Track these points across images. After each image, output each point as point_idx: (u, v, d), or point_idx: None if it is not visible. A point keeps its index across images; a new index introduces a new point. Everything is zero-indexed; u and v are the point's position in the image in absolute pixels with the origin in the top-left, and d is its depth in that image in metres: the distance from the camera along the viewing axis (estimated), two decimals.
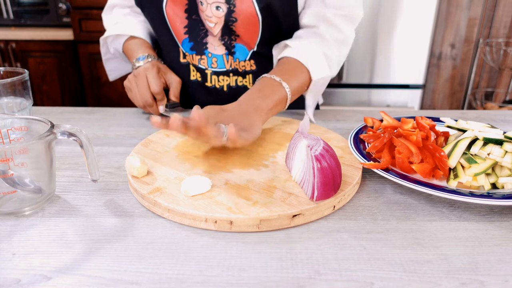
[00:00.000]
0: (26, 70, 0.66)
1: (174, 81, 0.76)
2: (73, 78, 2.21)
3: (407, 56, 1.98)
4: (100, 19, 0.89)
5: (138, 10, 0.84)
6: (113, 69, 0.92)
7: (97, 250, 0.40)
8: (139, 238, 0.42)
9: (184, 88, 0.82)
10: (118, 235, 0.42)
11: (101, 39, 0.85)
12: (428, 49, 1.97)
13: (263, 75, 0.66)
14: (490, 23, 2.05)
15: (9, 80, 0.63)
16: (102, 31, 0.85)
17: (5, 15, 2.19)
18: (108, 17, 0.86)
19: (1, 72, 0.66)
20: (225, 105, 0.59)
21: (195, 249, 0.40)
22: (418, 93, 2.06)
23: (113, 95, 2.21)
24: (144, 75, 0.73)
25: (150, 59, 0.76)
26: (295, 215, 0.44)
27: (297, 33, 0.75)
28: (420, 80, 2.03)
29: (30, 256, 0.39)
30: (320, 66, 0.71)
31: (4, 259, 0.39)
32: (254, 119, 0.57)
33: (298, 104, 0.80)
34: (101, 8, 0.87)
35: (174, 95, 0.76)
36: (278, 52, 0.75)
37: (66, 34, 2.09)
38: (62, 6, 2.12)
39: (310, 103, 0.77)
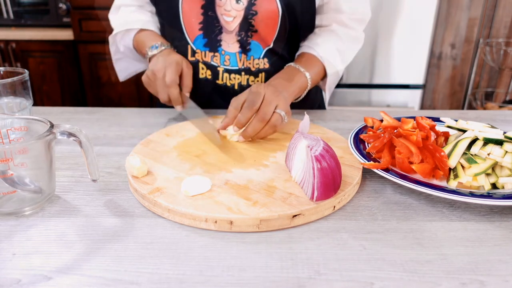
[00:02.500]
0: (26, 70, 0.66)
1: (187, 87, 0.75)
2: (73, 78, 2.21)
3: (407, 56, 1.98)
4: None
5: (146, 8, 0.84)
6: (122, 69, 0.92)
7: (97, 250, 0.40)
8: (139, 238, 0.42)
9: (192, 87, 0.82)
10: (118, 235, 0.42)
11: (110, 37, 0.84)
12: (428, 49, 1.97)
13: (288, 64, 0.75)
14: (490, 23, 2.05)
15: (9, 80, 0.63)
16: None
17: (5, 15, 2.19)
18: (115, 17, 0.86)
19: (1, 72, 0.66)
20: (267, 83, 0.67)
21: (195, 249, 0.40)
22: (418, 93, 2.06)
23: (113, 95, 2.21)
24: (163, 73, 0.71)
25: (163, 47, 0.76)
26: (295, 215, 0.44)
27: (314, 32, 0.83)
28: (420, 80, 2.03)
29: (30, 256, 0.39)
30: (333, 61, 0.79)
31: (4, 259, 0.39)
32: (286, 99, 0.66)
33: (298, 104, 0.80)
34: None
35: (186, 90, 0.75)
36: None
37: (66, 34, 2.09)
38: (62, 6, 2.12)
39: (326, 95, 0.87)
